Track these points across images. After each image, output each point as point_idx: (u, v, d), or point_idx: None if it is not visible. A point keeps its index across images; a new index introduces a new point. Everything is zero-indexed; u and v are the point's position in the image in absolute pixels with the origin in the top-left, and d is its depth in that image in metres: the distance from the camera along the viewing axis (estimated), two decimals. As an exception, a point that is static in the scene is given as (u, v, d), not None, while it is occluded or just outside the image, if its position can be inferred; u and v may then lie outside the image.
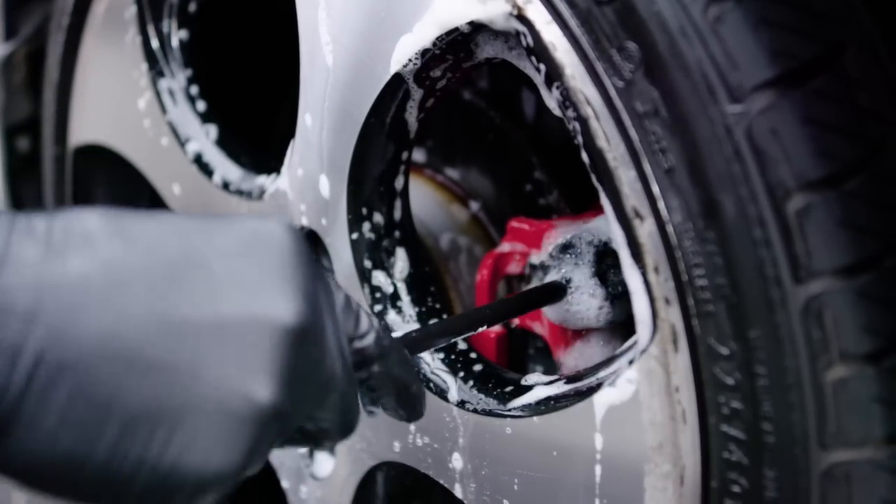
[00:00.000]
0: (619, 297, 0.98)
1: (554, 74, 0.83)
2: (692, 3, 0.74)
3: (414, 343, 0.86)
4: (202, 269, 0.64)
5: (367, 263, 1.06)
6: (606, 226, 0.96)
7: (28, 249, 0.60)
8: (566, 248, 0.99)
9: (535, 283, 1.06)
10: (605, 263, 0.98)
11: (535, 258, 1.06)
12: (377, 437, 1.09)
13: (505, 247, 1.10)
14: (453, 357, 1.03)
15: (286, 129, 1.11)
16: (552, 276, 1.00)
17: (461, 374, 1.02)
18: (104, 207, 0.65)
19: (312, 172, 1.06)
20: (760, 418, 0.77)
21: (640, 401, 0.84)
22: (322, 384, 0.69)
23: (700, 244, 0.76)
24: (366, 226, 1.06)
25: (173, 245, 0.64)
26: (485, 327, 0.93)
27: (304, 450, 1.21)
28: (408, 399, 0.80)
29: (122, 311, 0.61)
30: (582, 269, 0.97)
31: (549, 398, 0.93)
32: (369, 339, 0.75)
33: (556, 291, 0.98)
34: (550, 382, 0.95)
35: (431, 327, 0.89)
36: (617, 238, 0.82)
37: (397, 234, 1.07)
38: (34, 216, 0.62)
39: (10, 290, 0.59)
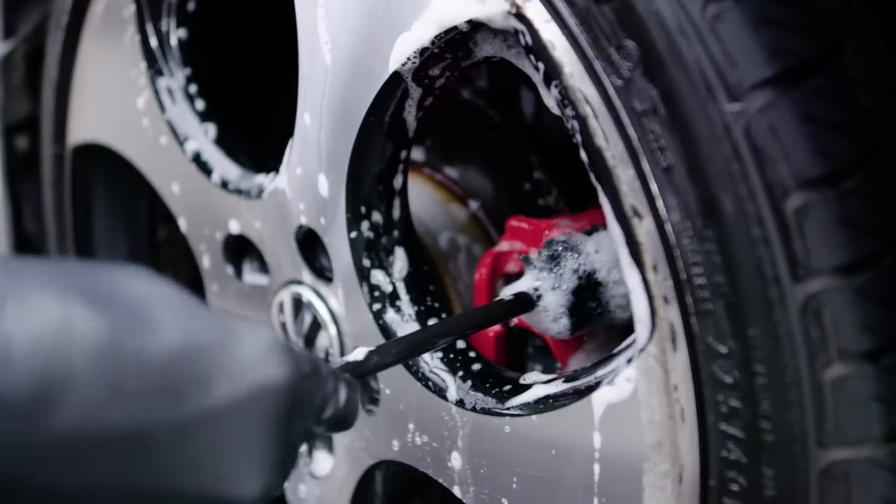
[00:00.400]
0: (579, 327, 0.97)
1: (552, 73, 0.83)
2: (690, 2, 0.74)
3: (369, 370, 0.85)
4: (180, 441, 0.61)
5: (366, 262, 1.06)
6: (598, 254, 0.96)
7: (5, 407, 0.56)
8: (553, 258, 0.97)
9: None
10: (580, 296, 0.96)
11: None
12: (376, 435, 1.09)
13: (504, 245, 1.09)
14: (452, 356, 1.03)
15: (285, 127, 1.11)
16: (529, 279, 0.97)
17: (460, 372, 1.02)
18: (106, 322, 0.59)
19: (311, 171, 1.06)
20: (759, 417, 0.77)
21: (638, 399, 0.84)
22: None
23: (699, 243, 0.76)
24: (364, 225, 1.06)
25: (161, 409, 0.60)
26: (444, 343, 0.92)
27: (302, 448, 1.21)
28: (342, 427, 0.79)
29: (83, 481, 0.58)
30: (556, 295, 0.96)
31: (547, 397, 0.93)
32: (331, 419, 0.74)
33: (524, 305, 0.96)
34: (549, 381, 0.95)
35: (385, 350, 0.87)
36: (615, 236, 0.82)
37: (396, 233, 1.07)
38: (21, 339, 0.56)
39: None
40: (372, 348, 0.86)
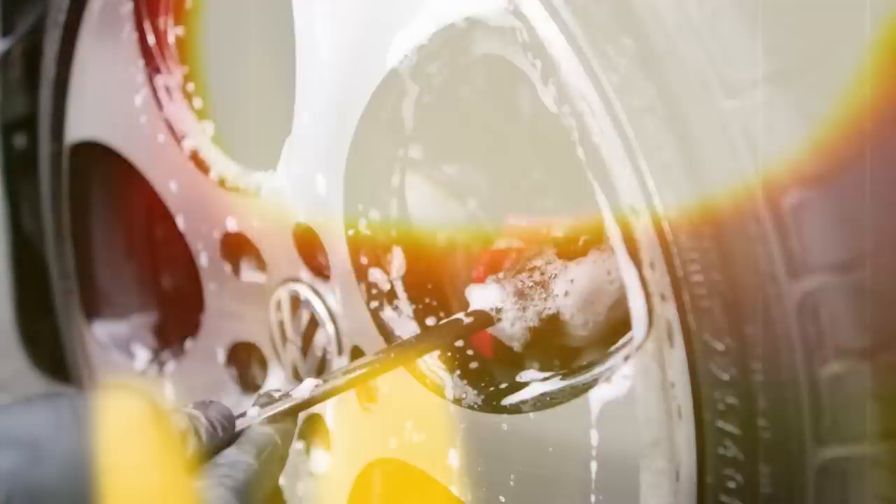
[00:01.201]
0: (529, 349, 0.98)
1: (550, 70, 0.83)
2: (688, -1, 0.74)
3: (312, 403, 0.85)
4: None
5: (364, 261, 1.06)
6: (567, 298, 0.96)
7: None
8: (521, 294, 0.97)
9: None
10: (538, 330, 0.97)
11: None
12: (373, 433, 1.09)
13: (502, 244, 1.09)
14: (450, 354, 1.03)
15: (283, 125, 1.11)
16: (494, 296, 0.97)
17: (457, 370, 1.02)
18: None
19: (309, 169, 1.06)
20: (756, 414, 0.77)
21: (635, 396, 0.84)
22: None
23: (696, 240, 0.76)
24: (362, 222, 1.06)
25: None
26: (405, 364, 0.91)
27: (300, 446, 1.21)
28: None
29: None
30: (515, 326, 0.96)
31: (544, 394, 0.93)
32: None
33: (485, 322, 0.96)
34: (546, 379, 0.95)
35: (333, 377, 0.87)
36: (613, 234, 0.82)
37: (394, 231, 1.07)
38: None
39: None
40: (318, 382, 0.86)
